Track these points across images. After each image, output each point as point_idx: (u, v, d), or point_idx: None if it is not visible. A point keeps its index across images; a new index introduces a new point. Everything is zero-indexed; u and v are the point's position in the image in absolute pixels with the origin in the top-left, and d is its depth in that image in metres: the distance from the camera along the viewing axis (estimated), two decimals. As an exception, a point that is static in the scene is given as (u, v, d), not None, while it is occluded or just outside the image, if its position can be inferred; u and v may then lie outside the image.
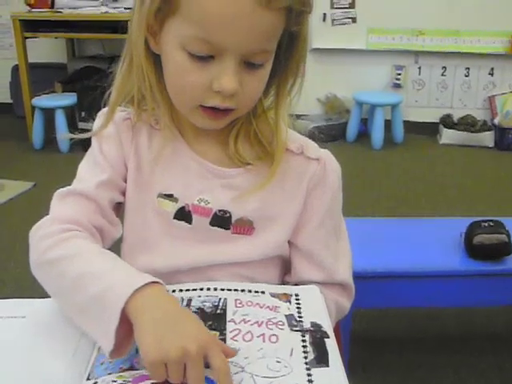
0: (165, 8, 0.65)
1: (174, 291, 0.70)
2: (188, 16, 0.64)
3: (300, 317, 0.67)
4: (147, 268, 0.74)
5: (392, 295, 1.57)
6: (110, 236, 0.75)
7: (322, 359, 0.61)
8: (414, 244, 1.64)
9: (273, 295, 0.71)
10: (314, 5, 0.68)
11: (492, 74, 3.91)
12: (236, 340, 0.63)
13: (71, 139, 3.09)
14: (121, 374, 0.58)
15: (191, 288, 0.71)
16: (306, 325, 0.66)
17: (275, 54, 0.70)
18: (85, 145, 3.35)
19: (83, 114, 3.69)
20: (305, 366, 0.60)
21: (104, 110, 0.79)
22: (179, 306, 0.62)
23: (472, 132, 3.78)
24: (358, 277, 1.40)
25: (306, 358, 0.61)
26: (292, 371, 0.59)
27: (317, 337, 0.64)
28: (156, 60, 0.72)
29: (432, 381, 1.63)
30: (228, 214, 0.75)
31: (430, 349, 1.77)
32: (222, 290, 0.70)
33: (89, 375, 0.59)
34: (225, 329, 0.64)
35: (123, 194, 0.77)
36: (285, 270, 0.83)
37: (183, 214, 0.75)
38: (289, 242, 0.80)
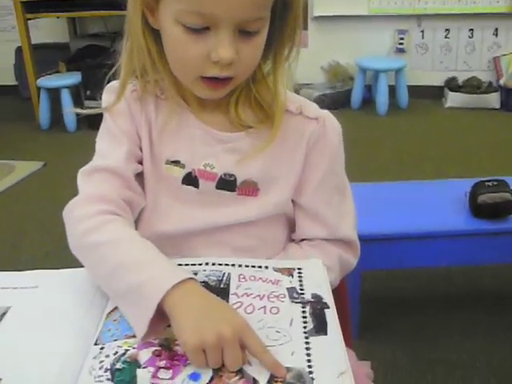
0: None
1: (180, 265, 0.73)
2: None
3: (302, 289, 0.70)
4: (160, 232, 0.79)
5: (399, 256, 1.61)
6: (137, 206, 0.79)
7: (320, 328, 0.64)
8: (419, 206, 1.67)
9: (276, 270, 0.74)
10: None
11: (496, 35, 3.87)
12: (238, 312, 0.65)
13: (78, 117, 3.12)
14: (126, 340, 0.62)
15: (197, 263, 0.74)
16: (307, 296, 0.69)
17: (270, 20, 0.72)
18: (91, 123, 3.42)
19: (88, 92, 3.70)
20: (304, 335, 0.63)
21: (111, 85, 0.81)
22: (212, 296, 0.65)
23: (477, 94, 3.76)
24: (365, 239, 1.43)
25: (305, 327, 0.64)
26: (291, 340, 0.62)
27: (317, 308, 0.67)
28: (157, 35, 0.74)
29: (439, 339, 1.67)
30: (233, 177, 0.78)
31: (437, 308, 1.81)
32: (227, 265, 0.74)
33: (96, 340, 0.63)
34: (227, 302, 0.67)
35: (141, 163, 0.80)
36: (291, 227, 0.86)
37: (190, 179, 0.79)
38: (292, 200, 0.83)
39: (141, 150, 0.80)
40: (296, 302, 0.68)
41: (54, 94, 3.74)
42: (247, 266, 0.74)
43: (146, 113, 0.79)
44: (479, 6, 3.77)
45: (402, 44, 3.99)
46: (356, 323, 1.66)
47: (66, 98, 3.70)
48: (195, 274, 0.71)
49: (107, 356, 0.60)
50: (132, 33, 0.74)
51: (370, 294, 1.81)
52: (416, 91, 3.90)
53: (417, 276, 1.94)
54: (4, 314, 0.68)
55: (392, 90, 3.79)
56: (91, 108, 3.08)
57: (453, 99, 3.82)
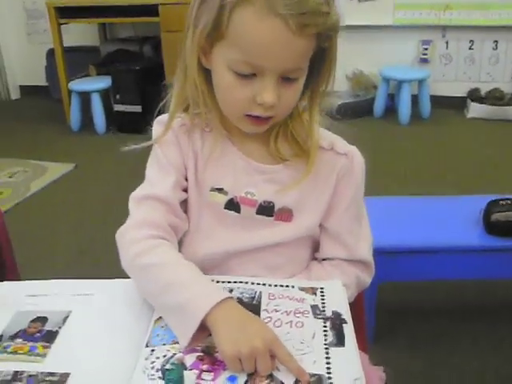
0: (214, 34, 0.78)
1: (217, 282, 0.83)
2: (233, 43, 0.76)
3: (323, 307, 0.80)
4: (202, 253, 0.89)
5: (415, 269, 1.70)
6: (181, 230, 0.89)
7: (339, 341, 0.74)
8: (436, 221, 1.75)
9: (301, 289, 0.83)
10: (341, 23, 0.79)
11: (520, 48, 3.91)
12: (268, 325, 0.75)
13: (108, 121, 3.26)
14: (173, 345, 0.72)
15: (232, 280, 0.84)
16: (328, 313, 0.79)
17: (309, 66, 0.82)
18: (120, 126, 3.58)
19: (118, 96, 3.84)
20: (324, 346, 0.73)
21: (160, 118, 0.91)
22: (247, 312, 0.74)
23: (500, 106, 3.80)
24: (384, 252, 1.56)
25: (325, 340, 0.74)
26: (313, 350, 0.72)
27: (336, 323, 0.77)
28: (207, 73, 0.84)
29: (453, 348, 1.75)
30: (271, 204, 0.88)
31: (452, 318, 1.89)
32: (259, 284, 0.84)
33: (147, 343, 0.74)
34: (259, 317, 0.77)
35: (186, 191, 0.90)
36: (314, 249, 0.96)
37: (232, 205, 0.88)
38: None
39: (186, 179, 0.89)
40: (318, 318, 0.77)
41: (85, 96, 3.87)
42: (276, 286, 0.84)
43: (192, 144, 0.89)
44: (504, 19, 3.81)
45: (425, 54, 4.05)
46: (372, 330, 1.75)
47: (96, 101, 3.83)
48: (231, 290, 0.81)
49: (158, 358, 0.70)
50: (188, 71, 0.83)
51: (387, 304, 1.89)
52: (439, 101, 3.96)
53: (432, 288, 2.02)
54: (66, 317, 0.79)
55: (415, 100, 3.85)
56: (120, 113, 3.23)
57: (475, 110, 3.87)
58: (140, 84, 3.80)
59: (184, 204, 0.90)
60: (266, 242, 0.89)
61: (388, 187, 2.82)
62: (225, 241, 0.89)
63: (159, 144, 0.89)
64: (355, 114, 3.89)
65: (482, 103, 3.85)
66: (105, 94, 3.91)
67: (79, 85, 3.90)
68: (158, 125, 0.91)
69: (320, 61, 0.82)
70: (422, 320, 1.90)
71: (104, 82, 3.87)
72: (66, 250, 2.40)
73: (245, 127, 0.85)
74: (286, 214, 0.89)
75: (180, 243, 0.90)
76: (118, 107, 3.87)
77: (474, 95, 3.93)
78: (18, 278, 1.07)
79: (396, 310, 1.94)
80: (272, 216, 0.88)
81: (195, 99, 0.85)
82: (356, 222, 0.93)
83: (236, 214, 0.88)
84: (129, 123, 3.85)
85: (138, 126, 3.80)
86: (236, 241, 0.89)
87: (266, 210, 0.88)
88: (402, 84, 3.82)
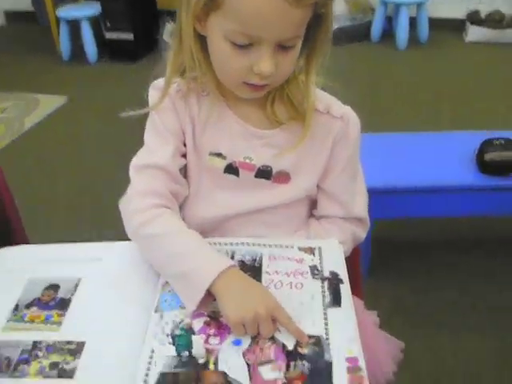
0: (210, 3, 0.77)
1: (219, 244, 0.87)
2: (229, 13, 0.76)
3: (321, 267, 0.84)
4: (202, 216, 0.92)
5: (410, 207, 1.76)
6: (182, 196, 0.92)
7: (336, 301, 0.78)
8: (431, 159, 1.79)
9: (300, 249, 0.87)
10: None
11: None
12: (269, 288, 0.80)
13: (99, 50, 3.21)
14: (181, 310, 0.77)
15: (234, 242, 0.88)
16: (326, 273, 0.83)
17: (305, 31, 0.81)
18: (112, 54, 3.53)
19: (108, 23, 3.73)
20: (322, 307, 0.77)
21: (155, 83, 0.91)
22: (249, 279, 0.78)
23: (500, 28, 3.72)
24: (381, 191, 1.59)
25: (324, 300, 0.78)
26: (312, 311, 0.77)
27: (333, 283, 0.81)
28: (202, 39, 0.83)
29: (446, 279, 1.85)
30: (269, 168, 0.90)
31: (445, 252, 1.97)
32: (259, 245, 0.87)
33: (156, 308, 0.78)
34: (261, 280, 0.81)
35: (185, 156, 0.92)
36: (312, 206, 0.99)
37: (231, 169, 0.91)
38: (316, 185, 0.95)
39: (184, 144, 0.91)
40: (316, 279, 0.82)
41: (73, 24, 3.75)
42: (276, 246, 0.87)
43: (189, 109, 0.89)
44: None
45: (424, -26, 3.91)
46: (367, 264, 1.82)
47: (86, 29, 3.73)
48: (233, 253, 0.85)
49: (167, 323, 0.75)
50: (183, 38, 0.82)
51: (383, 239, 1.96)
52: (437, 24, 3.87)
53: (426, 225, 2.08)
54: (77, 284, 0.84)
55: (413, 23, 3.76)
56: (111, 41, 3.17)
57: (474, 33, 3.79)
58: (131, 10, 3.69)
59: (184, 169, 0.92)
60: (264, 203, 0.92)
61: (383, 116, 2.83)
62: (224, 203, 0.91)
63: (156, 111, 0.90)
64: (352, 39, 3.80)
65: (481, 26, 3.77)
66: (95, 22, 3.80)
67: (67, 11, 3.77)
68: (154, 90, 0.91)
69: (316, 25, 0.82)
70: (415, 254, 1.97)
71: (93, 9, 3.75)
72: (66, 187, 2.43)
73: (242, 93, 0.85)
74: (284, 177, 0.91)
75: (180, 207, 0.93)
76: (109, 35, 3.77)
77: (474, 18, 3.83)
78: (24, 238, 1.10)
79: (390, 245, 2.01)
80: (270, 179, 0.91)
81: (191, 65, 0.85)
82: (353, 180, 0.96)
83: (235, 177, 0.91)
84: (121, 51, 3.78)
85: (131, 54, 3.80)
86: (235, 203, 0.91)
87: (264, 173, 0.90)
88: (400, 7, 3.72)
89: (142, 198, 0.86)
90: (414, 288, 1.81)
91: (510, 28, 3.72)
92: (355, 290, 0.87)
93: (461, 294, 1.78)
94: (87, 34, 3.74)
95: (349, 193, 0.95)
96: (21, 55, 3.98)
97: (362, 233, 0.99)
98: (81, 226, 2.15)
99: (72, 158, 2.67)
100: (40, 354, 0.73)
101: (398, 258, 1.95)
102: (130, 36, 3.74)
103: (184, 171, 0.92)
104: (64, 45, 3.82)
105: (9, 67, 3.77)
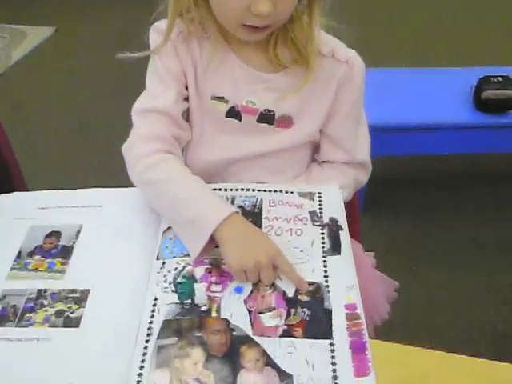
0: None
1: (220, 190, 0.87)
2: None
3: (321, 212, 0.85)
4: (205, 160, 0.92)
5: (405, 144, 1.76)
6: (184, 141, 0.91)
7: (335, 249, 0.80)
8: (426, 96, 1.78)
9: (300, 194, 0.88)
10: None
11: None
12: (270, 234, 0.80)
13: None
14: (183, 258, 0.78)
15: (234, 188, 0.88)
16: (325, 219, 0.84)
17: None
18: None
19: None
20: (322, 254, 0.79)
21: (156, 25, 0.88)
22: (251, 226, 0.79)
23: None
24: (377, 129, 1.58)
25: (323, 247, 0.80)
26: (312, 258, 0.78)
27: (333, 230, 0.82)
28: None
29: (438, 213, 1.89)
30: (272, 112, 0.89)
31: (437, 188, 2.00)
32: (259, 190, 0.88)
33: (157, 256, 0.79)
34: (261, 225, 0.82)
35: (187, 100, 0.90)
36: (314, 151, 0.99)
37: (233, 113, 0.90)
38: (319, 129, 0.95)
39: (186, 88, 0.89)
40: (316, 225, 0.83)
41: None
42: (276, 191, 0.88)
43: (191, 53, 0.87)
44: None
45: None
46: (362, 199, 1.84)
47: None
48: (233, 198, 0.86)
49: (169, 271, 0.76)
50: None
51: (379, 176, 1.96)
52: None
53: (421, 162, 2.09)
54: (79, 231, 0.84)
55: None
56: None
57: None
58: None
59: (186, 113, 0.91)
60: (267, 148, 0.91)
61: (382, 45, 2.78)
62: (227, 148, 0.91)
63: (158, 54, 0.87)
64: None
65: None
66: None
67: None
68: (155, 32, 0.88)
69: None
70: (410, 190, 1.99)
71: None
72: (59, 125, 2.39)
73: (241, 35, 0.83)
74: (287, 122, 0.90)
75: (183, 151, 0.92)
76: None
77: None
78: (23, 183, 1.10)
79: (386, 182, 2.01)
80: (273, 124, 0.90)
81: (188, 7, 0.82)
82: (356, 125, 0.95)
83: (237, 121, 0.90)
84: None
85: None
86: (238, 148, 0.91)
87: (266, 118, 0.89)
88: None
89: (144, 143, 0.85)
90: (408, 225, 1.84)
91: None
92: (353, 233, 0.88)
93: (453, 232, 1.82)
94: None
95: (352, 138, 0.95)
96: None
97: (364, 177, 1.00)
98: (75, 166, 2.14)
99: (63, 93, 2.61)
100: (45, 302, 0.74)
101: (392, 195, 1.97)
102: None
103: (186, 115, 0.91)
104: (48, -29, 3.65)
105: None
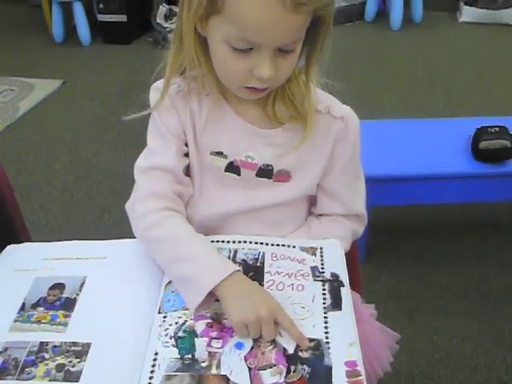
0: (210, 8, 0.77)
1: (222, 241, 0.89)
2: (228, 19, 0.76)
3: (322, 268, 0.86)
4: (206, 214, 0.94)
5: (405, 195, 1.78)
6: (187, 196, 0.93)
7: (336, 305, 0.80)
8: (425, 147, 1.81)
9: (302, 249, 0.89)
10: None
11: None
12: (271, 289, 0.82)
13: (92, 32, 3.18)
14: (184, 312, 0.79)
15: (237, 240, 0.89)
16: (327, 275, 0.85)
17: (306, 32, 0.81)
18: (105, 37, 3.53)
19: (101, 5, 3.69)
20: (323, 310, 0.79)
21: (156, 85, 0.92)
22: (252, 283, 0.81)
23: (493, 9, 3.71)
24: (376, 180, 1.60)
25: (324, 303, 0.80)
26: (313, 315, 0.79)
27: (334, 285, 0.83)
28: (203, 40, 0.83)
29: (440, 262, 1.89)
30: (270, 167, 0.92)
31: (438, 236, 2.00)
32: (261, 243, 0.89)
33: (159, 309, 0.80)
34: (263, 280, 0.83)
35: (188, 155, 0.93)
36: (311, 204, 1.01)
37: (232, 168, 0.92)
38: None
39: (186, 144, 0.92)
40: (318, 280, 0.84)
41: (65, 5, 3.69)
42: (278, 245, 0.89)
43: (190, 110, 0.90)
44: None
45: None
46: (364, 249, 1.85)
47: (78, 10, 3.67)
48: (236, 251, 0.87)
49: (170, 325, 0.77)
50: (184, 39, 0.83)
51: (379, 225, 1.98)
52: (431, 3, 3.85)
53: (422, 211, 2.11)
54: (82, 283, 0.85)
55: (407, 2, 3.74)
56: (104, 23, 3.17)
57: (467, 13, 3.78)
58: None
59: (187, 169, 0.93)
60: (265, 202, 0.93)
61: (377, 98, 2.83)
62: (227, 202, 0.93)
63: (157, 112, 0.90)
64: (346, 19, 3.79)
65: (474, 6, 3.75)
66: (87, 3, 3.75)
67: (59, -8, 3.71)
68: (155, 92, 0.91)
69: (316, 26, 0.82)
70: (410, 239, 2.00)
71: (85, -10, 3.69)
72: (63, 175, 2.42)
73: (243, 95, 0.86)
74: (285, 176, 0.92)
75: (185, 207, 0.94)
76: (101, 17, 3.74)
77: (468, -3, 3.82)
78: (27, 236, 1.12)
79: (387, 231, 2.03)
80: (271, 178, 0.92)
81: (191, 65, 0.86)
82: (353, 178, 0.97)
83: (236, 176, 0.92)
84: (114, 33, 3.74)
85: (124, 36, 3.75)
86: (237, 201, 0.93)
87: (265, 172, 0.92)
88: (394, -13, 3.69)
89: (147, 201, 0.87)
90: (409, 274, 1.84)
91: (504, 9, 3.71)
92: (353, 284, 0.89)
93: (456, 279, 1.81)
94: (80, 16, 3.69)
95: (349, 191, 0.97)
96: (12, 37, 3.91)
97: (360, 228, 1.01)
98: (78, 216, 2.16)
99: (69, 143, 2.66)
100: (46, 355, 0.74)
101: (393, 244, 1.98)
102: (123, 18, 3.70)
103: (187, 170, 0.93)
104: (57, 26, 3.76)
105: (1, 50, 3.72)
